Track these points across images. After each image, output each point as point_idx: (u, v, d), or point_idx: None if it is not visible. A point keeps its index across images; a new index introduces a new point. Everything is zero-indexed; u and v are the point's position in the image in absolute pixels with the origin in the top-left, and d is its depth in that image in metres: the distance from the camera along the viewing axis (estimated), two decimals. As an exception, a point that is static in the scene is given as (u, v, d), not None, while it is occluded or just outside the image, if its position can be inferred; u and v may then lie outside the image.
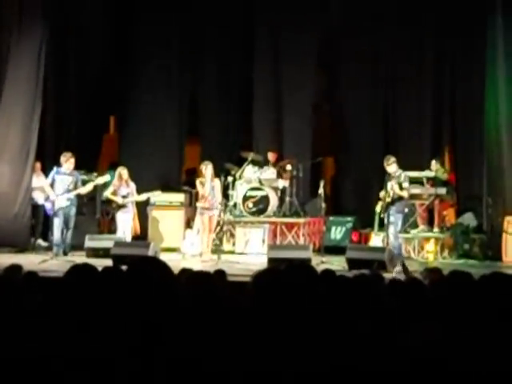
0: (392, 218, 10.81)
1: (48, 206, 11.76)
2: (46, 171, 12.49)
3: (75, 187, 11.56)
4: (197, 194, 12.13)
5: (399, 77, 13.89)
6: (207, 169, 11.51)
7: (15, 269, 3.91)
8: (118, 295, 2.81)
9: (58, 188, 11.45)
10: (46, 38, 12.66)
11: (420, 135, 13.75)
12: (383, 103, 14.08)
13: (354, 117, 14.18)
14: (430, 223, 12.57)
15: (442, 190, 12.32)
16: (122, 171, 12.06)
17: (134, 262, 2.81)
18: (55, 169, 11.64)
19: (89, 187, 11.77)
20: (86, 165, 12.79)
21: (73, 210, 11.66)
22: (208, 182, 11.48)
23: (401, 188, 10.77)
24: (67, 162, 11.51)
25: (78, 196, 11.76)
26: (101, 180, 11.91)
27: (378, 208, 11.05)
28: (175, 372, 2.45)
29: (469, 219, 12.53)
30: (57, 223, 11.42)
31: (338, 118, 14.68)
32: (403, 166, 11.62)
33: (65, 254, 11.39)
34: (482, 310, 2.87)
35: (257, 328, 2.52)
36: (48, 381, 2.65)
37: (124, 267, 2.98)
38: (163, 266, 2.73)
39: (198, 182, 11.76)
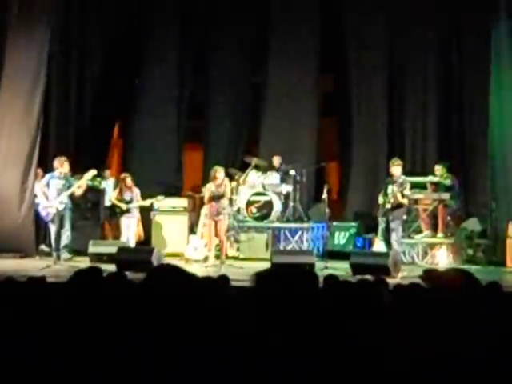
0: (392, 225, 10.84)
1: (43, 213, 11.42)
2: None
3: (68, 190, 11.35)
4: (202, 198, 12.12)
5: (404, 81, 13.91)
6: (220, 173, 11.45)
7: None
8: (123, 301, 2.82)
9: (52, 192, 11.30)
10: (48, 38, 12.35)
11: (425, 140, 13.76)
12: (388, 107, 14.06)
13: (358, 121, 14.17)
14: (434, 228, 12.52)
15: (446, 195, 12.24)
16: (127, 177, 12.13)
17: (153, 270, 2.82)
18: (50, 174, 11.56)
19: (81, 183, 11.50)
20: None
21: (67, 213, 11.59)
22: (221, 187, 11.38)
23: (402, 195, 10.76)
24: (61, 166, 11.33)
25: (74, 199, 11.71)
26: (89, 175, 11.47)
27: (379, 214, 11.11)
28: (179, 376, 2.45)
29: (473, 224, 12.47)
30: (53, 229, 11.28)
31: (342, 122, 14.68)
32: (408, 171, 11.61)
33: (59, 257, 11.04)
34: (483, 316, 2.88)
35: (259, 333, 2.53)
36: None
37: (128, 272, 2.99)
38: (182, 274, 2.72)
39: (208, 186, 11.58)
